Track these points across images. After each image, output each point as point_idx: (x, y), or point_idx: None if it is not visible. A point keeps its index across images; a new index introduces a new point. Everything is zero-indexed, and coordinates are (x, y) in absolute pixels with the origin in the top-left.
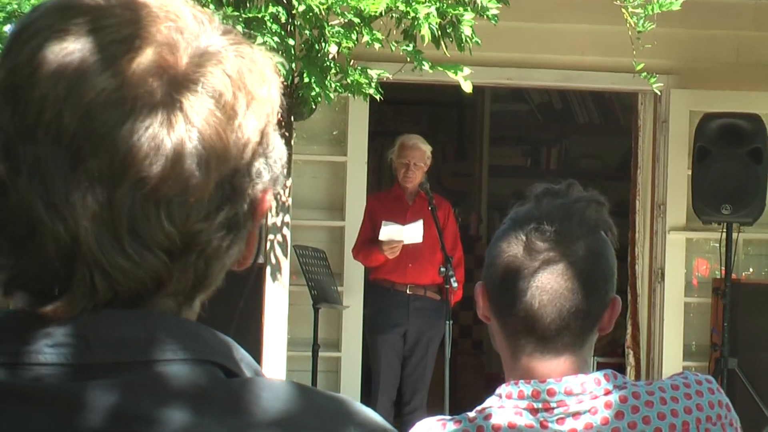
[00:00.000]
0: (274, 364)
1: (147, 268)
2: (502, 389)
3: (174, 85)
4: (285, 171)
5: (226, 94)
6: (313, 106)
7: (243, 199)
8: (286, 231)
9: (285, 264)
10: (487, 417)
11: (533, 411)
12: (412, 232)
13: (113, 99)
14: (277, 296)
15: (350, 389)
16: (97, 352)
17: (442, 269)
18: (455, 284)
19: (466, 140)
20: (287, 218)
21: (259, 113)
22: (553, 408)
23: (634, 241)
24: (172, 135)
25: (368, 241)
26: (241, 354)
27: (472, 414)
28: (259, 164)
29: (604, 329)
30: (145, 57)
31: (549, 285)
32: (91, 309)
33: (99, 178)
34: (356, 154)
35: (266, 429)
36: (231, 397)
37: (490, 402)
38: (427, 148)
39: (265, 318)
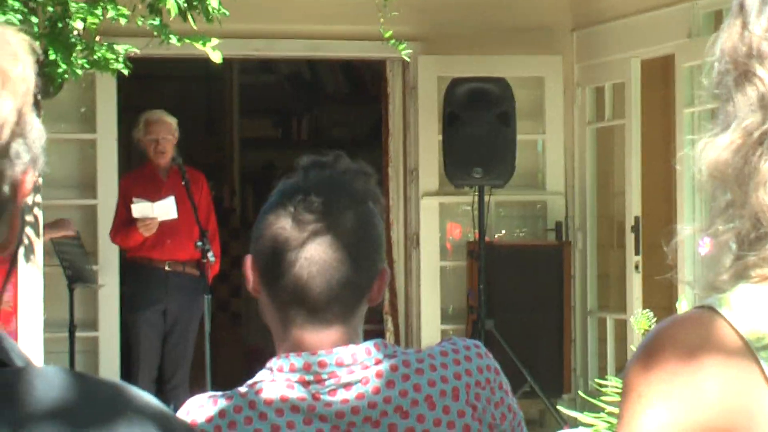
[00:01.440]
0: (31, 347)
1: None
2: (273, 362)
3: None
4: (44, 151)
5: None
6: (60, 84)
7: (3, 181)
8: (37, 211)
9: (38, 245)
10: (259, 391)
11: (305, 383)
12: (164, 208)
13: None
14: (32, 278)
15: (109, 369)
16: None
17: (199, 243)
18: (212, 258)
19: (216, 114)
20: (38, 198)
21: (14, 93)
22: (325, 380)
23: (388, 207)
24: None
25: (125, 221)
26: (10, 343)
27: (243, 389)
28: (17, 145)
29: (374, 300)
30: None
31: (318, 256)
32: None
33: None
34: (106, 131)
35: (43, 419)
36: (3, 388)
37: (261, 376)
38: (172, 121)
39: (20, 300)
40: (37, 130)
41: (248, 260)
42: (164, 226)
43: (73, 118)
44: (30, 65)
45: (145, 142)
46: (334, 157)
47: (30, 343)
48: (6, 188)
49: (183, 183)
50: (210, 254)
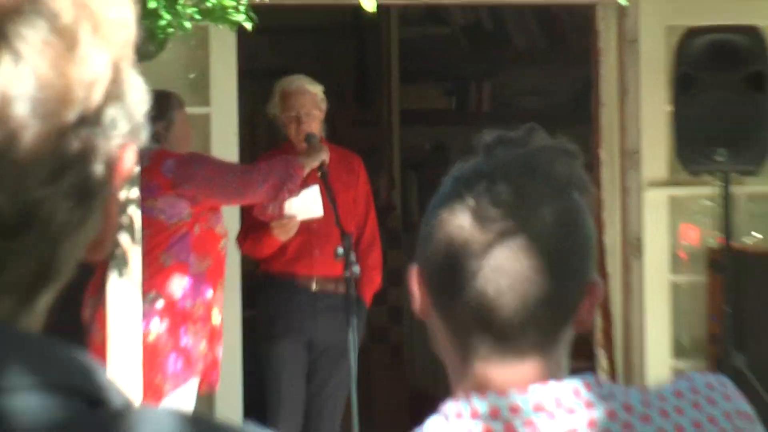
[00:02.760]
0: (128, 385)
1: None
2: (449, 407)
3: None
4: (148, 119)
5: (64, 15)
6: (163, 41)
7: (95, 156)
8: (133, 210)
9: (135, 253)
10: None
11: None
12: (305, 203)
13: None
14: (126, 297)
15: (229, 414)
16: None
17: (340, 250)
18: (357, 270)
19: (369, 78)
20: (134, 192)
21: (109, 41)
22: (518, 429)
23: (600, 202)
24: None
25: (255, 223)
26: (106, 379)
27: None
28: (114, 110)
29: (582, 323)
30: None
31: (508, 264)
32: None
33: None
34: (223, 103)
35: None
36: None
37: (434, 425)
38: (317, 90)
39: (111, 324)
40: (138, 92)
41: (414, 272)
42: (310, 231)
43: (179, 85)
44: (129, 8)
45: (283, 119)
46: (525, 132)
47: (126, 381)
48: (99, 167)
49: (319, 173)
50: (354, 265)
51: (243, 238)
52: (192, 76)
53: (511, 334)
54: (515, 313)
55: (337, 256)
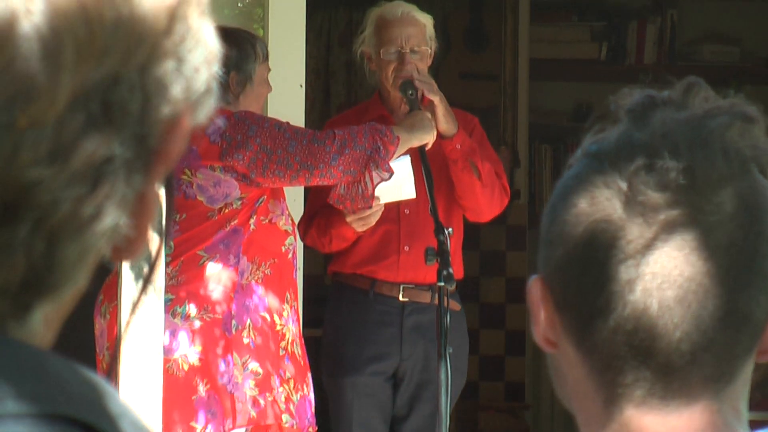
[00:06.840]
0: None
1: None
2: None
3: None
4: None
5: None
6: None
7: (125, 129)
8: (159, 185)
9: (159, 247)
10: None
11: None
12: (392, 182)
13: None
14: (144, 307)
15: None
16: None
17: (431, 252)
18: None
19: (485, 12)
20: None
21: None
22: None
23: None
24: None
25: (323, 207)
26: (120, 406)
27: None
28: (164, 68)
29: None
30: None
31: (676, 270)
32: None
33: None
34: (285, 41)
35: None
36: None
37: None
38: (427, 21)
39: (125, 341)
40: (205, 52)
41: (537, 285)
42: (397, 219)
43: (224, 16)
44: None
45: (375, 59)
46: (682, 90)
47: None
48: (132, 144)
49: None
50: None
51: (306, 224)
52: (242, 4)
53: (678, 367)
54: (686, 338)
55: (428, 260)
